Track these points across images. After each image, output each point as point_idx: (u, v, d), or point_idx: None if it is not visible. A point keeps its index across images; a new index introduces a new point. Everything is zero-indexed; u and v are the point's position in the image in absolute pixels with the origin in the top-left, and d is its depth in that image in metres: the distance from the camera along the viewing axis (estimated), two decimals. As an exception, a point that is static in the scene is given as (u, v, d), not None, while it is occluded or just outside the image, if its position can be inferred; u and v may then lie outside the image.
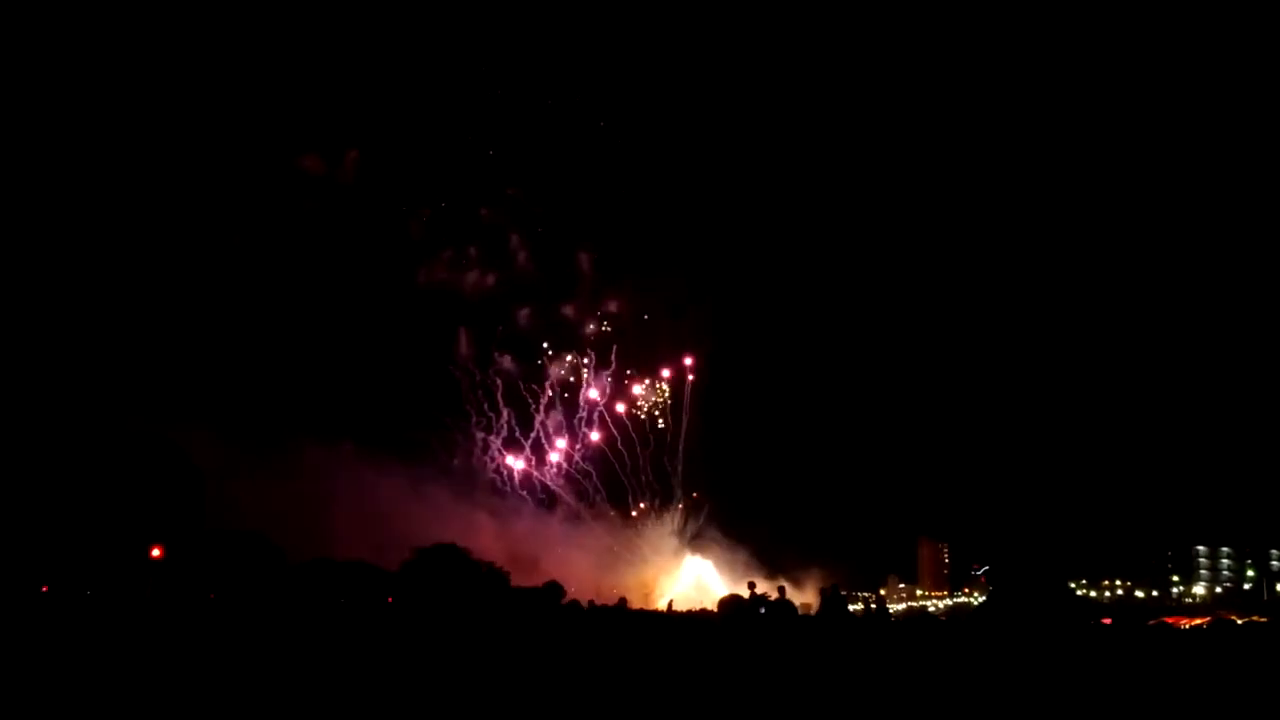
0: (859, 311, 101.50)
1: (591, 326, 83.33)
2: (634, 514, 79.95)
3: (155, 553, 42.37)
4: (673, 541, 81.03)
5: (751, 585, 27.52)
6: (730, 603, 30.44)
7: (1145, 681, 18.98)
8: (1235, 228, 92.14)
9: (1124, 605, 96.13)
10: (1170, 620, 67.37)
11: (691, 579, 78.73)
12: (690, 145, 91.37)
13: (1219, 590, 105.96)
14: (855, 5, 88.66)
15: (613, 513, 79.32)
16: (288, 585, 47.71)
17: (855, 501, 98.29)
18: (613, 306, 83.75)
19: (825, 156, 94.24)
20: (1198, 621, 65.30)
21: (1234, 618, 67.17)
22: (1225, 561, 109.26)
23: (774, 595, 27.89)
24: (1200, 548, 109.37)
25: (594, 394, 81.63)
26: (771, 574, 71.02)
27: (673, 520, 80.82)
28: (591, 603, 46.49)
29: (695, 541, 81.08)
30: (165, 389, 66.18)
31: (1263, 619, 65.91)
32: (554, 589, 49.58)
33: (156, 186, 71.65)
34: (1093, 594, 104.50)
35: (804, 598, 64.58)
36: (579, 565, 70.31)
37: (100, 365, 65.53)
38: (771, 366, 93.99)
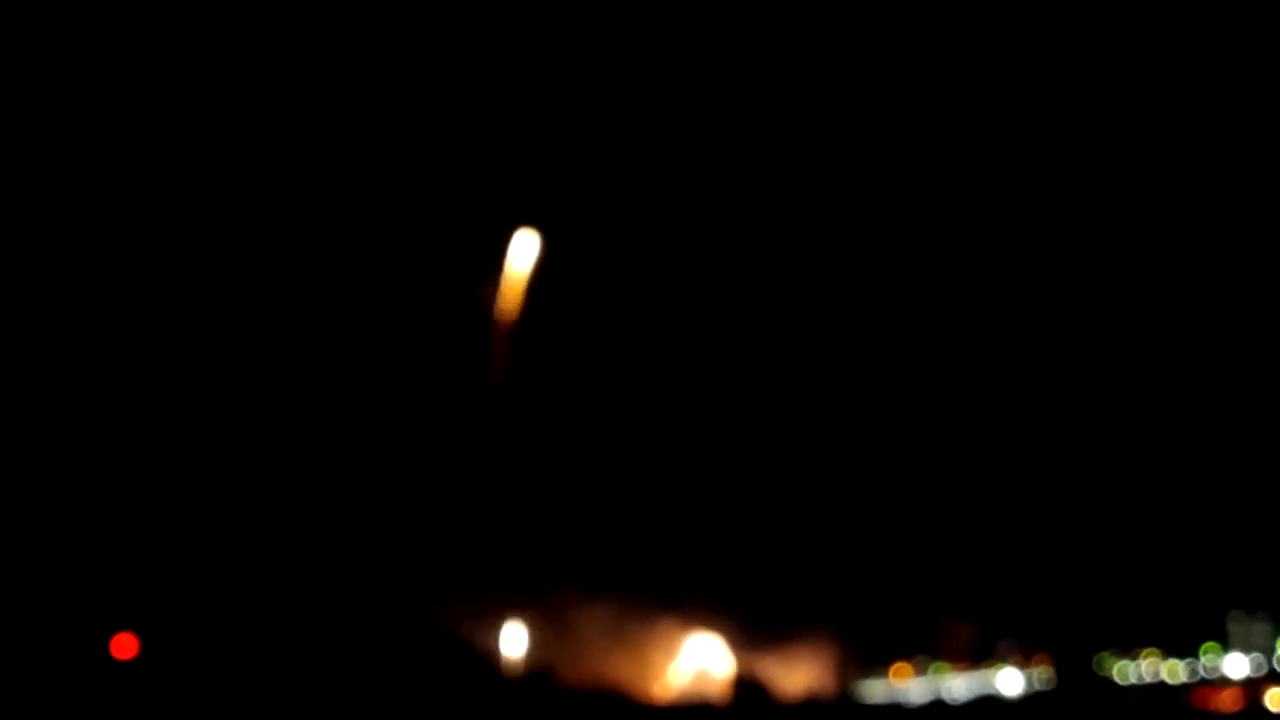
0: (867, 351, 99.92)
1: None
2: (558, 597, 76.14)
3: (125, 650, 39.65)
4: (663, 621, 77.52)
5: (738, 674, 25.37)
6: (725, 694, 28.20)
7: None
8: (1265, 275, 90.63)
9: (1154, 687, 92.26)
10: (1201, 699, 64.20)
11: (694, 662, 75.24)
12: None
13: (1255, 662, 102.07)
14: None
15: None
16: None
17: (871, 574, 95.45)
18: None
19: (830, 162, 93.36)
20: (1234, 705, 62.10)
21: (1274, 692, 63.93)
22: (1259, 626, 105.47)
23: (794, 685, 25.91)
24: (1234, 615, 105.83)
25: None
26: (778, 649, 68.02)
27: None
28: (586, 690, 44.08)
29: (691, 615, 77.62)
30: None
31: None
32: (542, 676, 47.02)
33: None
34: (1119, 667, 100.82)
35: (814, 677, 61.46)
36: (563, 647, 67.08)
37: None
38: (781, 397, 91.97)
